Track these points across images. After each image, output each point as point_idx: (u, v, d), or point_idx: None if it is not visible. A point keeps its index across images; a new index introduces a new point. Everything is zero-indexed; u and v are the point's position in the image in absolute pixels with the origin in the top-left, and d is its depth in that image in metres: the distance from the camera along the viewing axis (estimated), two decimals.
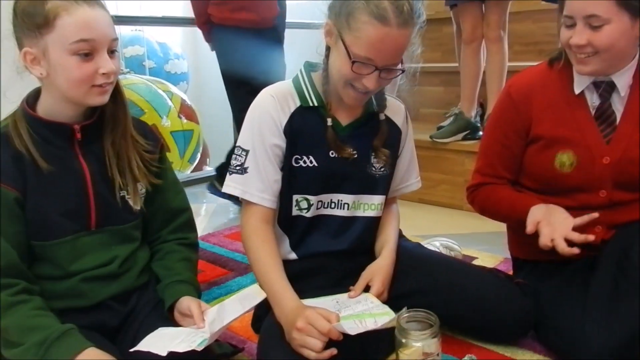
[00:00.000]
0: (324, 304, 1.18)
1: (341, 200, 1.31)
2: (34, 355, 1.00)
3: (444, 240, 1.86)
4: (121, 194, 1.19)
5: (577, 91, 1.32)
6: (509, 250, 1.57)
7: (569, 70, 1.32)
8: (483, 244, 2.09)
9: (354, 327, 1.08)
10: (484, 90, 2.64)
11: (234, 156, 1.28)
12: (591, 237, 1.20)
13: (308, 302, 1.17)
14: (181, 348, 1.02)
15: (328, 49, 1.24)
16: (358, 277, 1.29)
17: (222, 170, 2.60)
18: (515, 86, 1.39)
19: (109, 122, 1.19)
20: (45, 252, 1.13)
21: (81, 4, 1.06)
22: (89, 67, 1.08)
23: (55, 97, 1.12)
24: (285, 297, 1.15)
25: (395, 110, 1.36)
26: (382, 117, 1.32)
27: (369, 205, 1.34)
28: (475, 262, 1.88)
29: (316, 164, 1.27)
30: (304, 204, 1.29)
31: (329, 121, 1.26)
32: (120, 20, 2.95)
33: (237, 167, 1.26)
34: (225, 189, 1.28)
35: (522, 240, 1.48)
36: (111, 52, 1.11)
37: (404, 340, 1.08)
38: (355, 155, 1.29)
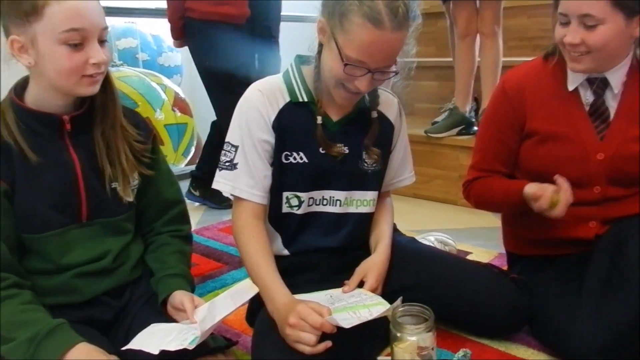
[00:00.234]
0: (317, 298, 1.18)
1: (333, 197, 1.30)
2: (25, 352, 0.98)
3: (438, 235, 1.86)
4: (112, 186, 1.17)
5: (570, 88, 1.32)
6: (504, 245, 1.57)
7: (563, 66, 1.32)
8: (478, 239, 2.09)
9: (348, 319, 1.08)
10: (479, 85, 2.64)
11: (223, 152, 1.27)
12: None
13: (301, 296, 1.17)
14: (172, 347, 1.01)
15: (320, 45, 1.22)
16: (351, 272, 1.28)
17: (196, 180, 2.67)
18: (509, 81, 1.39)
19: (98, 112, 1.17)
20: (35, 245, 1.11)
21: None
22: (79, 57, 1.06)
23: (44, 87, 1.10)
24: (276, 293, 1.15)
25: (389, 104, 1.34)
26: (374, 114, 1.30)
27: (361, 201, 1.33)
28: (469, 257, 1.89)
29: (306, 160, 1.26)
30: (294, 201, 1.28)
31: (319, 119, 1.24)
32: (113, 11, 2.94)
33: (227, 163, 1.25)
34: (215, 185, 1.27)
35: (517, 235, 1.49)
36: (101, 42, 1.09)
37: (398, 334, 1.08)
38: (347, 152, 1.28)
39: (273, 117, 1.23)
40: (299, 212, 1.29)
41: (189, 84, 3.98)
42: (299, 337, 1.05)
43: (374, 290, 1.24)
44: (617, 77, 1.29)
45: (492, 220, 1.53)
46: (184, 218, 1.34)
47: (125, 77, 2.94)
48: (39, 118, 1.11)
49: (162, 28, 4.01)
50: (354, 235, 1.34)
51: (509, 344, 1.35)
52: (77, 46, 1.05)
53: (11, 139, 1.07)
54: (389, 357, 1.14)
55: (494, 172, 1.43)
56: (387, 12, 1.07)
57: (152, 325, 1.12)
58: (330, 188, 1.29)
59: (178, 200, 1.33)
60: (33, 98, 1.12)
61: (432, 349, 1.10)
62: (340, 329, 1.05)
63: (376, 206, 1.37)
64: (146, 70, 3.23)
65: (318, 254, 1.31)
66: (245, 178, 1.23)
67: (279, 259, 1.24)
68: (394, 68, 1.17)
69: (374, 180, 1.34)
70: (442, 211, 2.56)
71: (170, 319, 1.16)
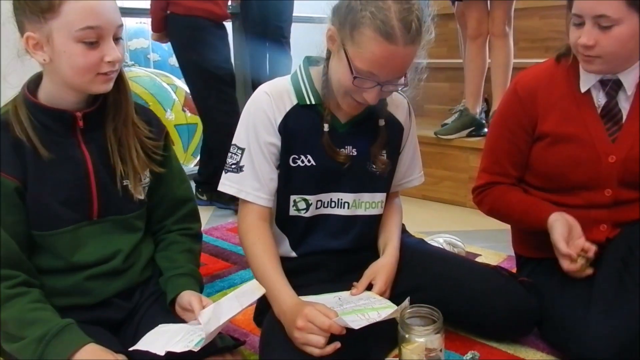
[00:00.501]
0: (326, 300, 1.18)
1: (341, 199, 1.29)
2: (34, 351, 0.99)
3: (447, 237, 1.85)
4: (124, 183, 1.17)
5: (583, 89, 1.31)
6: (513, 248, 1.56)
7: (576, 67, 1.31)
8: (487, 241, 2.08)
9: (356, 321, 1.08)
10: (489, 87, 2.63)
11: (229, 154, 1.26)
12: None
13: (310, 298, 1.16)
14: (178, 348, 1.01)
15: (329, 51, 1.21)
16: (359, 272, 1.28)
17: (202, 185, 2.69)
18: (521, 83, 1.38)
19: (110, 109, 1.17)
20: (47, 242, 1.11)
21: None
22: (94, 55, 1.06)
23: (58, 84, 1.10)
24: (283, 295, 1.14)
25: (398, 105, 1.34)
26: (381, 122, 1.29)
27: (370, 203, 1.32)
28: (478, 259, 1.88)
29: (314, 163, 1.25)
30: (302, 205, 1.27)
31: (326, 127, 1.23)
32: (125, 12, 2.95)
33: (233, 166, 1.25)
34: (221, 187, 1.26)
35: (525, 238, 1.48)
36: (116, 39, 1.09)
37: (407, 336, 1.08)
38: (355, 154, 1.27)
39: (279, 120, 1.23)
40: (307, 215, 1.28)
41: None
42: (307, 339, 1.04)
43: (382, 294, 1.24)
44: (630, 79, 1.27)
45: (501, 223, 1.52)
46: (194, 216, 1.34)
47: (137, 77, 2.96)
48: (52, 114, 1.11)
49: None
50: (362, 238, 1.33)
51: (517, 347, 1.34)
52: (93, 44, 1.05)
53: (24, 135, 1.08)
54: (397, 359, 1.14)
55: (505, 175, 1.42)
56: (400, 26, 1.06)
57: (159, 325, 1.12)
58: (338, 190, 1.29)
59: (189, 198, 1.33)
60: (46, 95, 1.12)
61: (440, 350, 1.09)
62: (349, 330, 1.05)
63: (385, 207, 1.37)
64: (157, 71, 3.26)
65: (325, 255, 1.31)
66: (251, 181, 1.23)
67: (286, 261, 1.24)
68: (403, 80, 1.17)
69: (382, 182, 1.33)
70: (451, 213, 2.56)
71: (178, 319, 1.16)
